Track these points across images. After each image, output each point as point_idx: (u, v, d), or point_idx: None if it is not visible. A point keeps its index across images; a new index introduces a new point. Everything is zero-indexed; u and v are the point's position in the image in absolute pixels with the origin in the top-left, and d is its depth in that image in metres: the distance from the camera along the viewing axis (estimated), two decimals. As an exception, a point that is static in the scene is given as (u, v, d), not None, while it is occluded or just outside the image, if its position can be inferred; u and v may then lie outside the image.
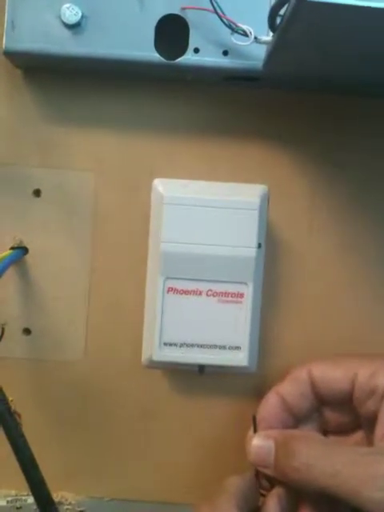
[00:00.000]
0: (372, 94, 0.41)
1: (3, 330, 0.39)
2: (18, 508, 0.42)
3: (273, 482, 0.37)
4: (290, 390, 0.38)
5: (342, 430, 0.39)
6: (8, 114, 0.41)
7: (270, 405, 0.38)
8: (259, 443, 0.37)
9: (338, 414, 0.38)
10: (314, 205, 0.42)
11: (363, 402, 0.36)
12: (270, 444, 0.36)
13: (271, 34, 0.33)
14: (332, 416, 0.39)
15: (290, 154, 0.41)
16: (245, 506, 0.34)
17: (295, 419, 0.38)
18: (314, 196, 0.42)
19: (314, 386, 0.38)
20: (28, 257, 0.41)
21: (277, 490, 0.36)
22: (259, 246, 0.39)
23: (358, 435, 0.38)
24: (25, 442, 0.31)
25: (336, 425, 0.39)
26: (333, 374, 0.37)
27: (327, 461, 0.33)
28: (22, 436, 0.30)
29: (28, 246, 0.41)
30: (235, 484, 0.36)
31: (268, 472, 0.36)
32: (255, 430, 0.38)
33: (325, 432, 0.39)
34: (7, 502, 0.42)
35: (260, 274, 0.40)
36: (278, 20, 0.31)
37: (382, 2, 0.24)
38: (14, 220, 0.41)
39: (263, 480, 0.38)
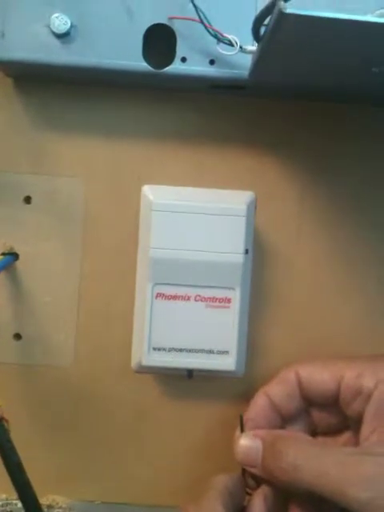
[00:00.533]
0: (356, 101, 0.41)
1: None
2: (8, 512, 0.43)
3: (259, 481, 0.38)
4: (278, 390, 0.39)
5: (330, 431, 0.39)
6: (-1, 121, 0.41)
7: (257, 405, 0.39)
8: (246, 443, 0.37)
9: (326, 414, 0.39)
10: (301, 210, 0.42)
11: (349, 403, 0.37)
12: (258, 444, 0.37)
13: (256, 43, 0.33)
14: (320, 417, 0.39)
15: (277, 160, 0.42)
16: (231, 504, 0.35)
17: (282, 420, 0.39)
18: (302, 201, 0.42)
19: (301, 387, 0.38)
20: (18, 263, 0.42)
21: (263, 488, 0.37)
22: (246, 251, 0.39)
23: (346, 436, 0.39)
24: (12, 448, 0.31)
25: (324, 426, 0.39)
26: (320, 376, 0.38)
27: (314, 461, 0.34)
28: (9, 441, 0.31)
29: (18, 252, 0.41)
30: (222, 482, 0.36)
31: (255, 471, 0.37)
32: (242, 430, 0.38)
33: (313, 433, 0.39)
34: (-2, 506, 0.43)
35: (247, 279, 0.40)
36: (262, 30, 0.31)
37: (358, 15, 0.24)
38: (4, 226, 0.41)
39: (249, 479, 0.38)
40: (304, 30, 0.28)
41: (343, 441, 0.39)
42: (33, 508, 0.31)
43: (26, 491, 0.31)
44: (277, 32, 0.28)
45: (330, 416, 0.39)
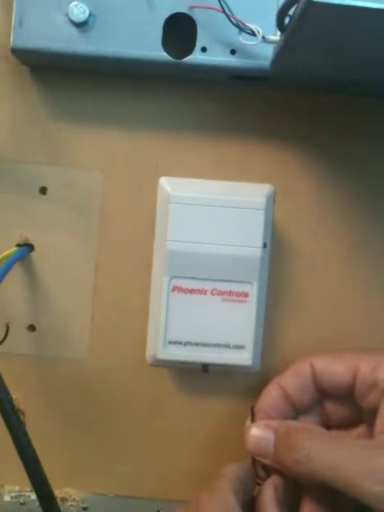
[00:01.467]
0: (381, 95, 0.40)
1: (8, 328, 0.40)
2: (21, 504, 0.43)
3: (269, 472, 0.37)
4: (292, 382, 0.38)
5: (344, 424, 0.39)
6: (15, 111, 0.41)
7: (270, 396, 0.39)
8: (258, 433, 0.37)
9: (340, 407, 0.38)
10: (320, 205, 0.42)
11: (365, 396, 0.36)
12: (270, 434, 0.37)
13: (279, 33, 0.33)
14: (334, 409, 0.39)
15: (297, 154, 0.41)
16: (242, 493, 0.35)
17: (295, 411, 0.39)
18: (321, 196, 0.41)
19: (315, 378, 0.38)
20: (33, 254, 0.41)
21: (273, 478, 0.37)
22: (264, 245, 0.39)
23: (360, 429, 0.38)
24: (28, 440, 0.31)
25: (338, 418, 0.39)
26: (334, 368, 0.38)
27: (327, 454, 0.33)
28: (26, 434, 0.31)
29: (34, 244, 0.41)
30: (233, 471, 0.36)
31: (266, 462, 0.37)
32: (253, 420, 0.38)
33: (327, 426, 0.39)
34: (11, 497, 0.43)
35: (265, 273, 0.40)
36: (287, 20, 0.31)
37: (391, 4, 0.24)
38: (20, 217, 0.41)
39: (260, 469, 0.38)
40: (331, 20, 0.27)
41: (357, 434, 0.38)
42: (48, 500, 0.31)
43: (41, 484, 0.31)
44: (303, 21, 0.28)
45: (345, 408, 0.38)
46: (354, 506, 0.36)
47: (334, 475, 0.32)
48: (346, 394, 0.37)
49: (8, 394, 0.31)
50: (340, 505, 0.36)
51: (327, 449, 0.34)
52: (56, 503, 0.31)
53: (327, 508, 0.36)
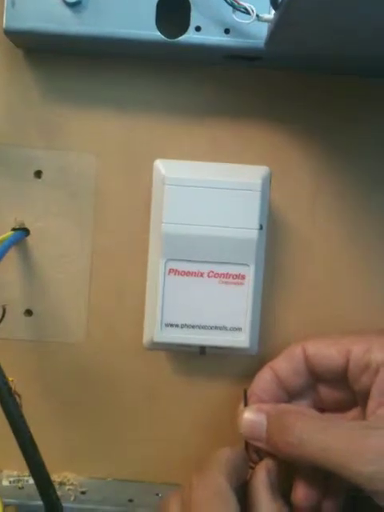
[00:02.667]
0: (377, 75, 0.40)
1: (4, 310, 0.39)
2: (20, 488, 0.43)
3: (262, 455, 0.37)
4: (284, 366, 0.38)
5: (338, 407, 0.39)
6: (9, 94, 0.41)
7: (263, 380, 0.39)
8: (251, 416, 0.37)
9: (334, 390, 0.39)
10: (317, 186, 0.41)
11: (358, 378, 0.36)
12: (262, 418, 0.37)
13: (273, 11, 0.33)
14: (327, 393, 0.39)
15: (293, 135, 0.41)
16: (234, 477, 0.35)
17: (288, 395, 0.39)
18: (318, 177, 0.41)
19: (308, 362, 0.38)
20: (29, 238, 0.41)
21: (266, 462, 0.37)
22: (261, 227, 0.38)
23: (354, 412, 0.38)
24: (24, 422, 0.31)
25: (332, 402, 0.39)
26: (327, 351, 0.38)
27: (319, 435, 0.33)
28: (22, 417, 0.30)
29: (29, 228, 0.41)
30: (225, 455, 0.36)
31: (259, 445, 0.37)
32: (246, 404, 0.38)
33: (321, 409, 0.39)
34: (9, 482, 0.43)
35: (261, 255, 0.40)
36: (280, -3, 0.30)
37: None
38: (15, 201, 0.41)
39: (253, 453, 0.38)
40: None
41: (351, 417, 0.38)
42: (44, 484, 0.31)
43: (37, 467, 0.30)
44: (296, -3, 0.28)
45: (338, 392, 0.38)
46: (345, 488, 0.36)
47: (325, 456, 0.32)
48: (340, 377, 0.37)
49: (4, 376, 0.31)
50: (332, 487, 0.36)
51: (318, 430, 0.34)
52: (53, 486, 0.31)
53: (319, 490, 0.36)
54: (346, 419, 0.38)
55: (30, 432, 0.32)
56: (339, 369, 0.37)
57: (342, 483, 0.35)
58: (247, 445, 0.38)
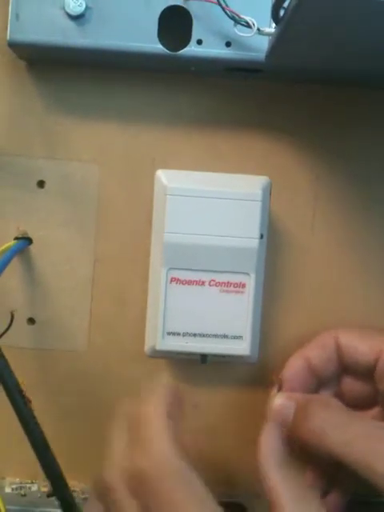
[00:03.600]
0: (375, 86, 0.41)
1: (13, 316, 0.40)
2: (22, 495, 0.43)
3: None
4: (317, 353, 0.39)
5: (359, 404, 0.39)
6: (12, 105, 0.41)
7: (294, 367, 0.39)
8: (282, 402, 0.37)
9: (358, 385, 0.39)
10: (316, 196, 0.42)
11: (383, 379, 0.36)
12: (292, 404, 0.37)
13: (274, 25, 0.33)
14: (351, 387, 0.39)
15: (293, 146, 0.42)
16: (176, 415, 0.34)
17: (318, 383, 0.39)
18: (317, 187, 0.42)
19: (339, 352, 0.38)
20: (32, 247, 0.41)
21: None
22: (261, 236, 0.39)
23: (375, 411, 0.38)
24: (36, 423, 0.31)
25: (353, 397, 0.39)
26: (359, 346, 0.38)
27: (342, 428, 0.34)
28: (34, 417, 0.31)
29: (32, 237, 0.41)
30: (167, 390, 0.35)
31: (285, 431, 0.37)
32: (279, 389, 0.38)
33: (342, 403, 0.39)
34: (12, 489, 0.43)
35: (262, 264, 0.40)
36: (282, 12, 0.31)
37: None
38: (18, 211, 0.41)
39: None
40: (325, 11, 0.27)
41: (371, 415, 0.38)
42: (59, 484, 0.31)
43: (52, 468, 0.31)
44: (297, 13, 0.28)
45: (361, 387, 0.38)
46: (354, 486, 0.36)
47: (345, 451, 0.32)
48: (366, 374, 0.37)
49: (15, 379, 0.31)
50: (342, 483, 0.37)
51: (343, 424, 0.34)
52: (67, 485, 0.31)
53: (328, 482, 0.36)
54: (366, 417, 0.38)
55: (42, 432, 0.32)
56: (368, 365, 0.37)
57: (354, 481, 0.35)
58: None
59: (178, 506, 0.30)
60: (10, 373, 0.30)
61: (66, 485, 0.31)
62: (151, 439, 0.32)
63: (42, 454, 0.30)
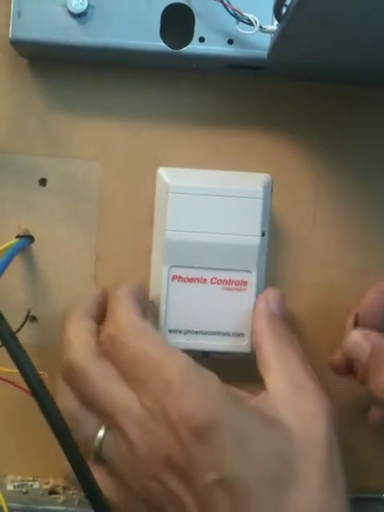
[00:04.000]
0: (377, 84, 0.41)
1: (28, 314, 0.40)
2: (24, 493, 0.43)
3: None
4: None
5: None
6: (13, 103, 0.41)
7: (370, 300, 0.39)
8: (358, 339, 0.37)
9: None
10: (317, 193, 0.42)
11: None
12: (367, 345, 0.37)
13: (276, 22, 0.33)
14: None
15: (295, 143, 0.42)
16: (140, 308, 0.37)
17: None
18: (318, 185, 0.42)
19: None
20: (34, 245, 0.41)
21: (265, 292, 0.39)
22: (263, 234, 0.39)
23: None
24: (58, 412, 0.31)
25: None
26: None
27: None
28: (55, 404, 0.31)
29: (34, 235, 0.41)
30: (126, 290, 0.38)
31: (354, 370, 0.37)
32: (355, 324, 0.38)
33: None
34: (14, 486, 0.43)
35: (263, 262, 0.40)
36: (284, 9, 0.31)
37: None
38: (19, 209, 0.41)
39: None
40: (329, 9, 0.27)
41: None
42: (80, 465, 0.31)
43: (72, 452, 0.31)
44: (300, 9, 0.28)
45: None
46: None
47: None
48: None
49: (35, 369, 0.31)
50: None
51: None
52: (88, 466, 0.32)
53: None
54: None
55: (64, 421, 0.32)
56: None
57: None
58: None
59: (142, 355, 0.33)
60: (29, 363, 0.30)
61: (86, 466, 0.31)
62: (117, 310, 0.36)
63: (64, 443, 0.30)
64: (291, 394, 0.34)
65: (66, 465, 0.33)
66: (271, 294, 0.39)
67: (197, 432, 0.31)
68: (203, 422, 0.31)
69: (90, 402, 0.34)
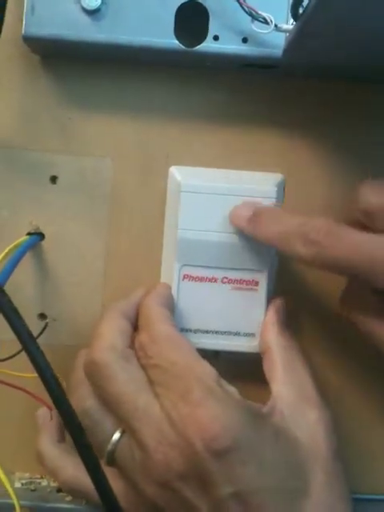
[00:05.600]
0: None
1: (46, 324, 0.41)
2: (32, 490, 0.43)
3: None
4: None
5: None
6: (25, 99, 0.41)
7: None
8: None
9: None
10: (331, 193, 0.42)
11: None
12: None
13: (291, 21, 0.33)
14: None
15: (308, 142, 0.41)
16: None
17: None
18: (332, 184, 0.42)
19: None
20: (44, 242, 0.41)
21: (274, 301, 0.40)
22: (275, 234, 0.39)
23: None
24: (72, 407, 0.31)
25: None
26: None
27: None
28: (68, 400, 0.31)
29: (44, 232, 0.41)
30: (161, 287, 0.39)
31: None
32: None
33: None
34: (22, 484, 0.43)
35: (275, 262, 0.40)
36: (301, 9, 0.31)
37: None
38: (30, 206, 0.41)
39: None
40: (346, 9, 0.27)
41: None
42: (94, 466, 0.31)
43: (86, 451, 0.31)
44: (318, 11, 0.28)
45: None
46: None
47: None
48: None
49: (52, 370, 0.31)
50: None
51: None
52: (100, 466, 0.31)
53: None
54: None
55: (79, 420, 0.32)
56: None
57: None
58: None
59: (171, 363, 0.34)
60: (46, 363, 0.30)
61: (99, 466, 0.30)
62: (150, 320, 0.37)
63: (78, 441, 0.30)
64: (297, 404, 0.35)
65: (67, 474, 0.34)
66: (281, 303, 0.39)
67: (215, 450, 0.31)
68: (221, 440, 0.31)
69: (110, 401, 0.35)
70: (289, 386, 0.36)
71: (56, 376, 0.30)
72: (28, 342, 0.29)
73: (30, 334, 0.29)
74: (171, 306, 0.39)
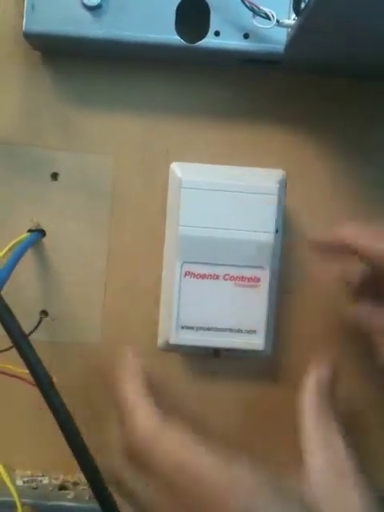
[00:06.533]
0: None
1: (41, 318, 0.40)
2: (34, 488, 0.43)
3: None
4: None
5: None
6: (26, 96, 0.41)
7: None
8: None
9: None
10: (333, 190, 0.41)
11: None
12: None
13: (293, 17, 0.33)
14: None
15: (310, 138, 0.41)
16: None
17: None
18: (334, 181, 0.41)
19: None
20: (45, 239, 0.41)
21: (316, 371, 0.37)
22: (277, 231, 0.39)
23: None
24: (69, 413, 0.31)
25: None
26: None
27: None
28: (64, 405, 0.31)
29: (45, 229, 0.41)
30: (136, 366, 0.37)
31: None
32: None
33: None
34: (23, 482, 0.43)
35: (277, 259, 0.40)
36: (303, 4, 0.31)
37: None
38: (31, 203, 0.41)
39: None
40: (349, 4, 0.27)
41: None
42: (92, 472, 0.31)
43: (83, 455, 0.31)
44: (320, 6, 0.28)
45: None
46: None
47: None
48: None
49: (46, 372, 0.31)
50: None
51: None
52: (100, 473, 0.31)
53: None
54: None
55: (75, 425, 0.32)
56: None
57: None
58: None
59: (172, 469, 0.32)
60: (43, 368, 0.30)
61: (99, 473, 0.30)
62: (132, 414, 0.34)
63: (74, 444, 0.30)
64: (333, 483, 0.33)
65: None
66: (324, 373, 0.37)
67: None
68: None
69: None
70: (325, 462, 0.33)
71: (48, 373, 0.30)
72: (19, 339, 0.29)
73: (21, 331, 0.29)
74: (148, 379, 0.37)
